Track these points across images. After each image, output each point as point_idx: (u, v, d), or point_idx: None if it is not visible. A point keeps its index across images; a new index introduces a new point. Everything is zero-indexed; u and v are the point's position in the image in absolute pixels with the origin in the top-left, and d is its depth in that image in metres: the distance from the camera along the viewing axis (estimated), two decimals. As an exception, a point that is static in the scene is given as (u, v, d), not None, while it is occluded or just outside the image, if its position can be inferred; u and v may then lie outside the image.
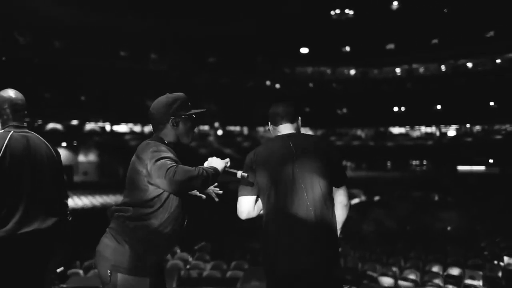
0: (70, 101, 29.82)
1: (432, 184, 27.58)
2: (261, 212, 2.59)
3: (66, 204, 2.80)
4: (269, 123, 2.77)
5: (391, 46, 41.43)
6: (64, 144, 29.88)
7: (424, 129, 40.14)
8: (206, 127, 37.12)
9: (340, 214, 2.56)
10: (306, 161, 2.50)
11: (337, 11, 43.40)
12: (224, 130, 38.86)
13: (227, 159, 2.43)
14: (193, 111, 2.46)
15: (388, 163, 37.28)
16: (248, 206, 2.58)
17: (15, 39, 29.38)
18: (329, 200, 2.49)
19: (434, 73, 40.49)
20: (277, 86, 41.86)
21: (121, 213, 2.31)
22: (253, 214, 2.61)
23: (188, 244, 10.36)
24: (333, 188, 2.55)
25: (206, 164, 2.38)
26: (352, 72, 43.55)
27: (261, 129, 38.68)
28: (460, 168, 33.07)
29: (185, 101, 2.46)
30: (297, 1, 38.65)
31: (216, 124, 37.50)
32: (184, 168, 2.17)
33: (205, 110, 2.51)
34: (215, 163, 2.37)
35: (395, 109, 40.68)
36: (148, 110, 2.46)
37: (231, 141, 36.82)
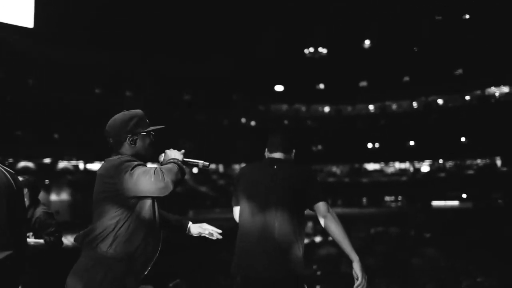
0: (43, 139, 29.36)
1: (407, 219, 27.70)
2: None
3: (26, 237, 2.63)
4: (266, 149, 2.93)
5: (364, 83, 42.27)
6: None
7: (398, 165, 40.63)
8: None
9: (331, 225, 2.62)
10: (283, 182, 2.68)
11: (311, 49, 44.28)
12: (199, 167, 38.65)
13: (183, 150, 2.37)
14: (151, 128, 2.38)
15: (364, 199, 37.39)
16: (234, 213, 2.87)
17: (-13, 76, 29.02)
18: (297, 220, 2.64)
19: (406, 109, 41.30)
20: (253, 123, 42.03)
21: (91, 236, 2.20)
22: None
23: (161, 282, 10.08)
24: (314, 206, 2.68)
25: (163, 157, 2.31)
26: (327, 109, 44.11)
27: (236, 166, 38.57)
28: (435, 203, 33.35)
29: (142, 118, 2.38)
30: (271, 40, 39.32)
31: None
32: (165, 167, 2.14)
33: (163, 126, 2.43)
34: (174, 154, 2.30)
35: (369, 145, 41.18)
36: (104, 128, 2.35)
37: (207, 179, 36.58)
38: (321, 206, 2.68)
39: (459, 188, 33.49)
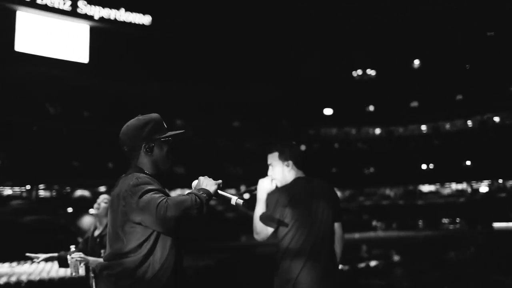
0: (98, 169, 30.18)
1: (468, 242, 26.58)
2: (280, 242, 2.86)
3: None
4: (291, 161, 3.00)
5: (415, 104, 41.43)
6: (91, 210, 30.00)
7: (454, 186, 39.25)
8: (232, 191, 36.97)
9: (338, 245, 2.90)
10: (322, 201, 2.85)
11: (359, 71, 43.95)
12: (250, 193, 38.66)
13: (220, 181, 2.10)
14: (169, 133, 2.17)
15: (420, 222, 36.23)
16: (267, 235, 2.87)
17: (45, 109, 30.29)
18: (333, 234, 2.89)
19: (460, 128, 40.10)
20: (302, 147, 41.86)
21: (110, 271, 1.97)
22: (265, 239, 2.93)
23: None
24: (335, 223, 2.92)
25: (195, 185, 2.08)
26: (377, 131, 43.43)
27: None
28: (496, 225, 31.84)
29: (158, 122, 2.18)
30: (318, 63, 39.35)
31: (242, 188, 37.38)
32: (175, 200, 1.86)
33: (184, 131, 2.22)
34: (206, 184, 2.04)
35: (423, 166, 40.05)
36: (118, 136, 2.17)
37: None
38: (339, 227, 2.92)
39: (523, 208, 31.98)
